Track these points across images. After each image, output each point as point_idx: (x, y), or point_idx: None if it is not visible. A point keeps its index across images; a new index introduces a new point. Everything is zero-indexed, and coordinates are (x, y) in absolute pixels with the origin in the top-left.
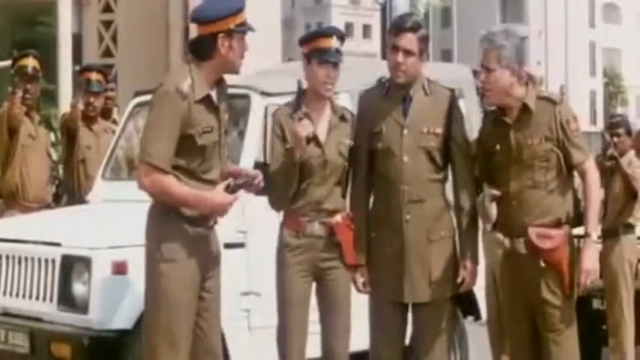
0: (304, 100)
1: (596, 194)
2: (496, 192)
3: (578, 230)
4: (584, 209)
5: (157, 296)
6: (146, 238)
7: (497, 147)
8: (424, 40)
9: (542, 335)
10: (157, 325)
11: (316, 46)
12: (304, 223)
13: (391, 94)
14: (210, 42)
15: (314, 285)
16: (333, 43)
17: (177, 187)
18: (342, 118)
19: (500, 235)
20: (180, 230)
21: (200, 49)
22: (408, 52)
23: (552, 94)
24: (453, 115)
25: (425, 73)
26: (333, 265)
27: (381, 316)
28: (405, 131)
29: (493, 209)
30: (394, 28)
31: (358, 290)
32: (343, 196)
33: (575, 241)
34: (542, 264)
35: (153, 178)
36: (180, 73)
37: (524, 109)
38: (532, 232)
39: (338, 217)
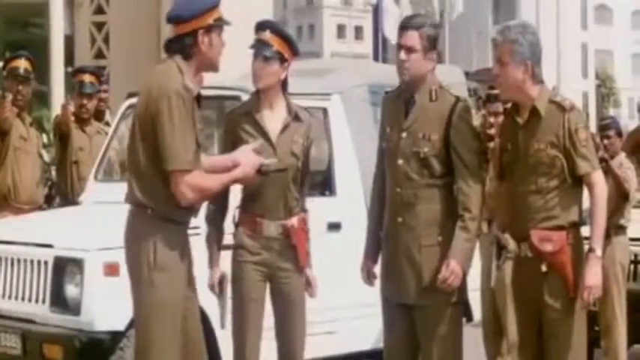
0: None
1: (601, 208)
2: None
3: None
4: (590, 224)
5: (150, 305)
6: (133, 246)
7: (509, 145)
8: (429, 39)
9: (545, 341)
10: (150, 333)
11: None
12: (260, 223)
13: (402, 95)
14: (189, 40)
15: (268, 287)
16: (262, 34)
17: (212, 181)
18: (297, 118)
19: (509, 239)
20: (173, 235)
21: (179, 49)
22: (410, 49)
23: (565, 99)
24: (452, 122)
25: (437, 79)
26: (288, 267)
27: (387, 314)
28: (404, 134)
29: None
30: (399, 27)
31: (365, 282)
32: (301, 194)
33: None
34: (544, 268)
35: (189, 183)
36: (170, 71)
37: (534, 111)
38: (534, 234)
39: (294, 220)
